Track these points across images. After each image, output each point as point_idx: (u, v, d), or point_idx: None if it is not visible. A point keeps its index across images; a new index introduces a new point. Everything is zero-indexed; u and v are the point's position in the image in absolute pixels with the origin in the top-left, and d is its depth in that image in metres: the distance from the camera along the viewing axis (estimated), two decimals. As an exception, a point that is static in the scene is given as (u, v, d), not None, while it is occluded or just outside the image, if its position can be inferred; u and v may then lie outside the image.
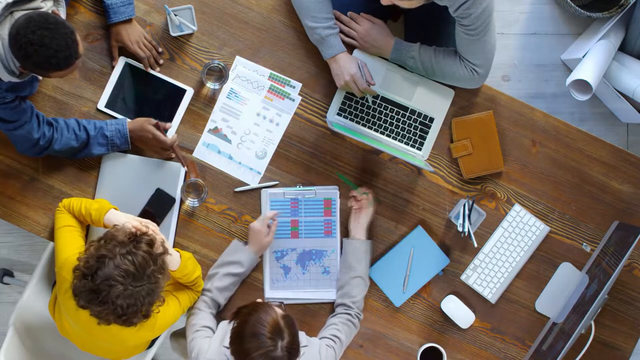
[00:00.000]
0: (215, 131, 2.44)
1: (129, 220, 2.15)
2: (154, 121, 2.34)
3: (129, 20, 2.36)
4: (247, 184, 2.44)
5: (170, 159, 2.40)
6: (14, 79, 2.09)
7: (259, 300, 2.24)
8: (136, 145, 2.39)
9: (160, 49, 2.41)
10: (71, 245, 2.17)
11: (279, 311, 2.06)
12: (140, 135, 2.35)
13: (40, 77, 2.34)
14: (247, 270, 2.38)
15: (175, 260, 2.18)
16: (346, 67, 2.34)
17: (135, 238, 2.00)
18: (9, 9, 2.00)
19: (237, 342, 2.02)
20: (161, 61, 2.41)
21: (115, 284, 1.93)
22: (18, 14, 2.01)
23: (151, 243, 2.01)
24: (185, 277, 2.25)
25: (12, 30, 1.96)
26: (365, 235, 2.40)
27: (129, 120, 2.37)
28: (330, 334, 2.30)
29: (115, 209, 2.24)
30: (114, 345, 2.24)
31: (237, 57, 2.43)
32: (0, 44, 2.00)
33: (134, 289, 1.95)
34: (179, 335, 2.56)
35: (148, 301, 1.99)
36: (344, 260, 2.40)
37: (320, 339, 2.29)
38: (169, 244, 2.17)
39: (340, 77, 2.35)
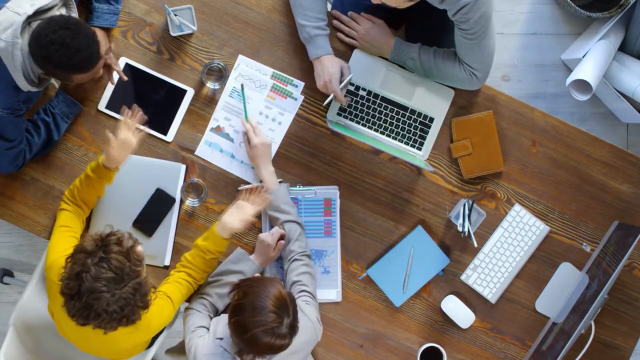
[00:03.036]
0: (218, 130, 2.44)
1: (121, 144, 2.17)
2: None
3: (107, 29, 2.38)
4: (249, 183, 2.44)
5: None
6: (33, 89, 2.12)
7: (258, 275, 2.19)
8: (84, 96, 2.38)
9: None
10: (61, 247, 2.17)
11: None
12: (76, 88, 2.34)
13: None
14: None
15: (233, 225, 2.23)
16: (327, 68, 2.33)
17: (102, 242, 1.98)
18: (28, 20, 2.03)
19: (239, 314, 1.97)
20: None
21: (100, 294, 1.92)
22: (35, 24, 2.03)
23: (119, 241, 1.99)
24: (208, 257, 2.27)
25: (34, 33, 1.99)
26: (274, 177, 2.35)
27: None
28: (297, 292, 2.26)
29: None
30: (108, 347, 2.24)
31: (240, 56, 2.43)
32: (21, 54, 2.02)
33: (121, 291, 1.94)
34: (174, 351, 2.53)
35: (139, 295, 1.99)
36: (269, 213, 2.36)
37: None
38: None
39: (320, 78, 2.34)
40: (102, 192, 2.29)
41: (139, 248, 2.04)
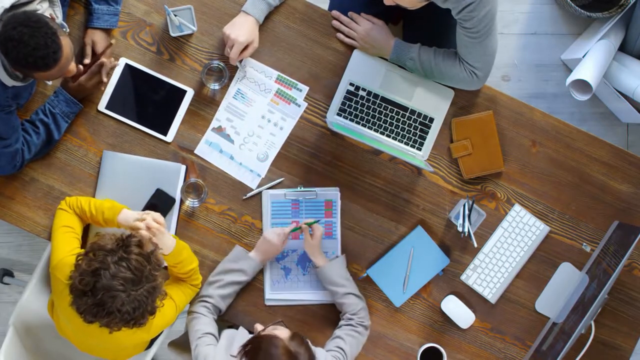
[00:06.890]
0: (219, 130, 2.44)
1: (137, 218, 2.17)
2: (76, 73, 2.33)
3: (107, 30, 2.37)
4: (246, 185, 2.44)
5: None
6: (18, 83, 2.10)
7: (258, 325, 2.14)
8: (84, 97, 2.38)
9: (106, 78, 2.38)
10: (66, 247, 2.17)
11: (284, 334, 2.00)
12: (78, 88, 2.33)
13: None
14: (250, 278, 2.38)
15: (169, 244, 2.18)
16: (245, 29, 2.32)
17: (124, 242, 1.98)
18: (7, 13, 2.01)
19: None
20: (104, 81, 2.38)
21: (116, 293, 1.92)
22: None
23: (140, 244, 2.00)
24: (180, 266, 2.23)
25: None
26: (324, 258, 2.40)
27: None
28: (335, 345, 2.28)
29: (127, 208, 2.24)
30: (109, 345, 2.24)
31: (247, 58, 2.43)
32: None
33: (137, 293, 1.95)
34: (177, 345, 2.52)
35: (151, 299, 1.99)
36: (325, 287, 2.39)
37: (327, 351, 2.26)
38: (166, 229, 2.16)
39: (234, 30, 2.32)
40: (103, 227, 2.31)
41: (159, 254, 2.05)
